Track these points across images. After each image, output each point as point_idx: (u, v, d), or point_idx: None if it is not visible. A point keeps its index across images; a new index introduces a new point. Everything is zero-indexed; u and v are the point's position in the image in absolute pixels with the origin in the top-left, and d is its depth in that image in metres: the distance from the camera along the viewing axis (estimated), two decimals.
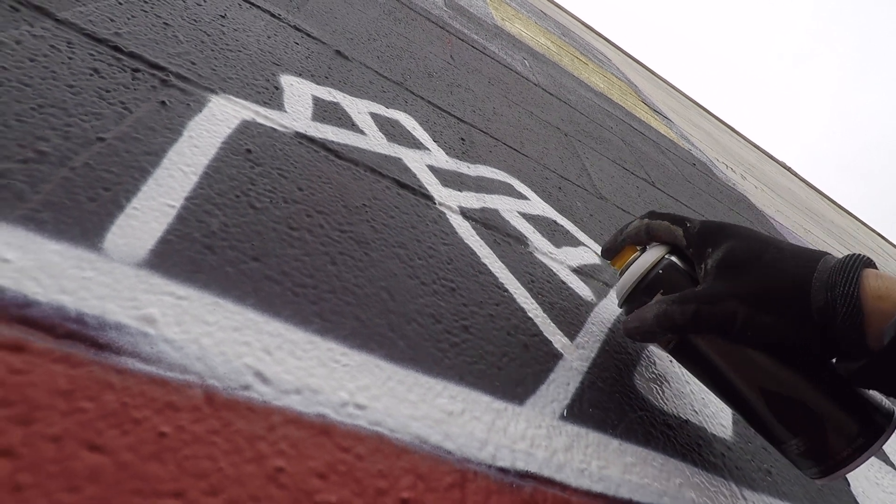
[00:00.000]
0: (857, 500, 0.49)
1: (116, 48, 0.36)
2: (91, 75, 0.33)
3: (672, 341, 0.37)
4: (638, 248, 0.42)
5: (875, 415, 0.31)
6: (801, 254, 0.33)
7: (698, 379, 0.38)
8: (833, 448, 0.31)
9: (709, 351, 0.35)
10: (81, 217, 0.24)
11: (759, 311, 0.31)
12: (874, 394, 0.32)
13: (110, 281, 0.23)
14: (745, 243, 0.34)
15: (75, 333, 0.20)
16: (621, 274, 0.41)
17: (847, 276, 0.30)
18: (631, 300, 0.40)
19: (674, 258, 0.39)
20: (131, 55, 0.36)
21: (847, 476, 0.51)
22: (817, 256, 0.32)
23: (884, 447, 0.63)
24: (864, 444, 0.30)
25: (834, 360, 0.33)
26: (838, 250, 2.30)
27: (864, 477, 0.53)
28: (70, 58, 0.33)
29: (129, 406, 0.19)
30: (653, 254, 0.39)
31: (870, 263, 0.31)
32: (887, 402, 0.32)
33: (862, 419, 0.31)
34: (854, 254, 0.31)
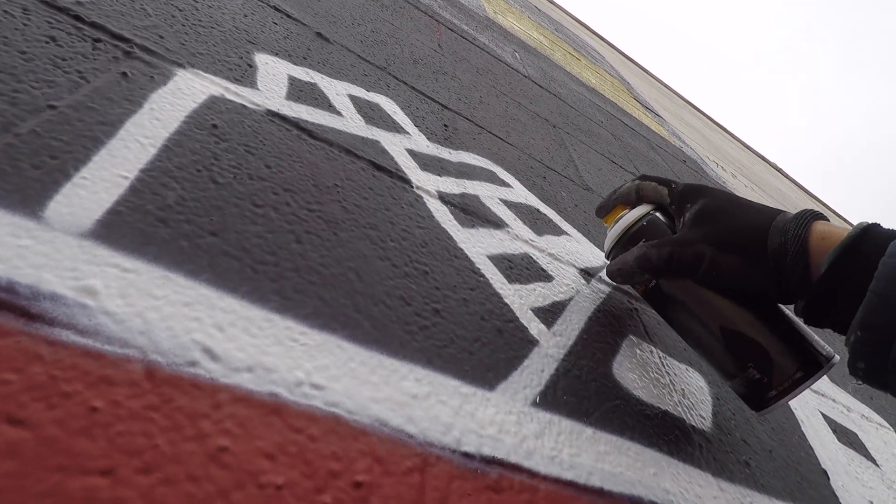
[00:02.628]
0: (837, 493, 0.48)
1: (77, 17, 0.35)
2: (47, 43, 0.31)
3: (648, 284, 0.42)
4: (628, 206, 0.46)
5: (817, 355, 0.35)
6: (764, 209, 0.37)
7: (666, 320, 0.43)
8: (775, 381, 0.35)
9: (677, 294, 0.40)
10: (22, 184, 0.23)
11: (723, 252, 0.35)
12: (820, 340, 0.37)
13: (49, 250, 0.21)
14: (717, 201, 0.39)
15: (3, 302, 0.19)
16: (611, 229, 0.46)
17: (798, 223, 0.34)
18: (616, 250, 0.44)
19: (658, 214, 0.43)
20: (93, 25, 0.35)
21: (826, 469, 0.50)
22: (777, 212, 0.37)
23: (865, 443, 0.62)
24: (801, 377, 0.34)
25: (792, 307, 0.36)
26: None
27: (845, 472, 0.53)
28: (25, 24, 0.31)
29: (58, 379, 0.18)
30: (639, 210, 0.44)
31: (821, 216, 0.35)
32: (829, 347, 0.36)
33: (804, 357, 0.35)
34: (808, 209, 0.35)
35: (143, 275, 0.23)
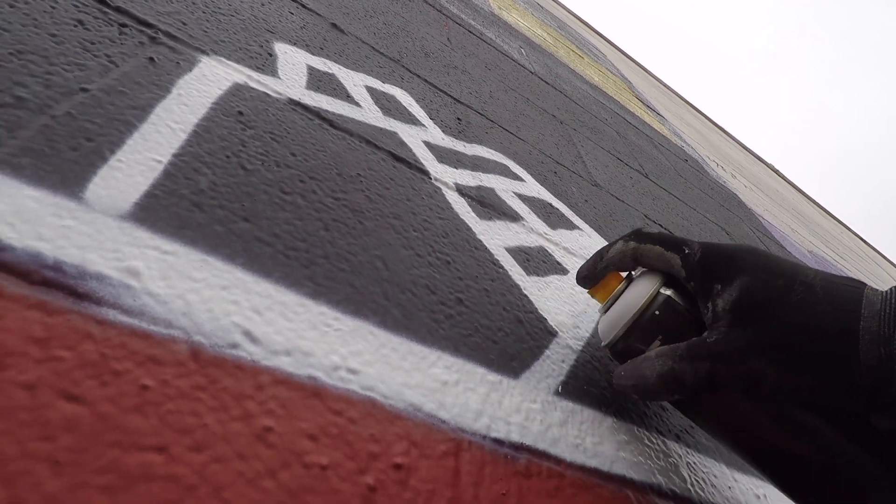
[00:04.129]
0: None
1: (102, 1, 0.34)
2: (75, 26, 0.31)
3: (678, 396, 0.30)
4: (623, 274, 0.36)
5: None
6: (837, 291, 0.26)
7: (714, 437, 0.32)
8: None
9: (724, 412, 0.29)
10: (62, 165, 0.23)
11: (793, 371, 0.25)
12: None
13: (91, 231, 0.22)
14: (763, 278, 0.28)
15: (52, 281, 0.19)
16: (606, 309, 0.34)
17: None
18: (622, 343, 0.32)
19: (670, 292, 0.31)
20: (118, 10, 0.35)
21: None
22: (857, 295, 0.26)
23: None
24: None
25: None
26: (825, 252, 2.33)
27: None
28: (53, 7, 0.31)
29: (109, 357, 0.18)
30: (644, 286, 0.32)
31: None
32: None
33: None
34: None
35: (181, 257, 0.23)
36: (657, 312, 0.31)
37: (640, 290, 0.32)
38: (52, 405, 0.16)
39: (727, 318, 0.27)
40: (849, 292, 0.26)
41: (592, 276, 0.35)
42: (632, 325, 0.31)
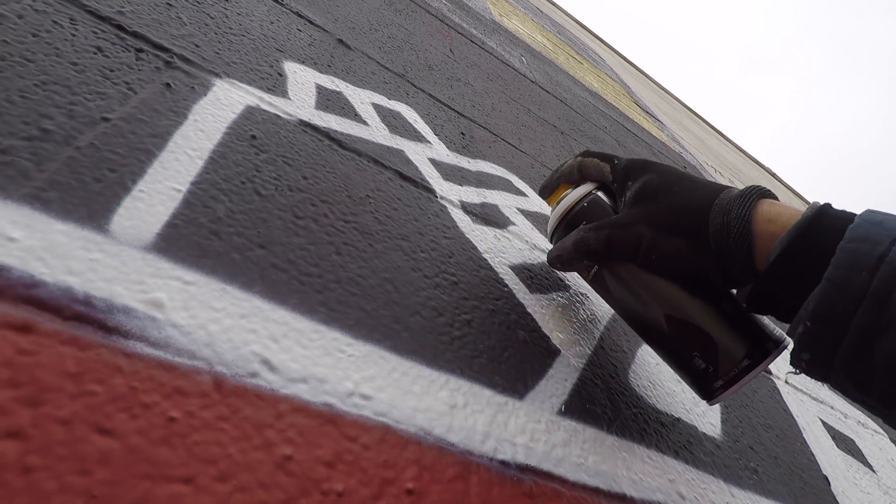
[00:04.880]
0: (837, 499, 0.50)
1: (120, 27, 0.35)
2: (95, 53, 0.32)
3: (591, 270, 0.39)
4: (572, 185, 0.43)
5: (765, 341, 0.33)
6: (709, 186, 0.34)
7: (612, 307, 0.40)
8: (721, 370, 0.33)
9: (621, 280, 0.37)
10: (88, 198, 0.24)
11: (663, 234, 0.33)
12: (769, 323, 0.34)
13: (117, 263, 0.22)
14: (660, 176, 0.36)
15: (83, 315, 0.20)
16: (553, 209, 0.43)
17: (743, 202, 0.31)
18: (558, 233, 0.42)
19: (600, 193, 0.40)
20: (135, 35, 0.36)
21: (827, 475, 0.52)
22: (722, 188, 0.33)
23: (862, 449, 0.64)
24: (748, 365, 0.32)
25: (735, 291, 0.35)
26: None
27: (844, 477, 0.55)
28: (73, 35, 0.32)
29: (138, 390, 0.19)
30: (581, 190, 0.41)
31: (768, 194, 0.32)
32: (780, 331, 0.33)
33: (751, 344, 0.32)
34: (755, 185, 0.32)
35: (202, 287, 0.24)
36: (585, 205, 0.40)
37: (577, 192, 0.41)
38: (87, 439, 0.17)
39: (629, 202, 0.36)
40: (718, 186, 0.34)
41: (549, 187, 0.45)
42: (564, 215, 0.41)
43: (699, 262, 0.32)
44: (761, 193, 0.32)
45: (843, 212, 0.29)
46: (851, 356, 0.25)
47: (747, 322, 0.33)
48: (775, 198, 0.33)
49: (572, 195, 0.41)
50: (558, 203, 0.42)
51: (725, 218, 0.31)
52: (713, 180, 0.36)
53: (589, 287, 0.50)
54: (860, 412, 0.77)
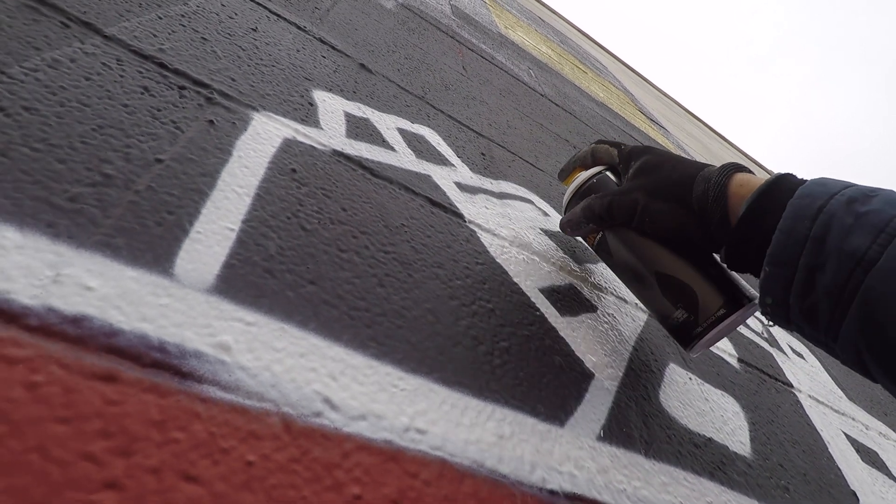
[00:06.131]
0: None
1: (162, 65, 0.36)
2: (142, 94, 0.33)
3: (596, 237, 0.45)
4: (585, 169, 0.49)
5: (740, 296, 0.37)
6: (696, 164, 0.40)
7: (613, 271, 0.46)
8: (700, 318, 0.37)
9: (621, 244, 0.43)
10: (152, 242, 0.25)
11: (655, 199, 0.39)
12: (746, 284, 0.39)
13: (185, 308, 0.23)
14: (657, 156, 0.42)
15: (160, 362, 0.21)
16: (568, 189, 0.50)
17: (721, 173, 0.36)
18: (570, 205, 0.48)
19: (608, 173, 0.46)
20: (176, 72, 0.37)
21: (855, 490, 0.52)
22: (707, 165, 0.39)
23: (886, 461, 0.64)
24: (723, 314, 0.37)
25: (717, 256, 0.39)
26: None
27: (872, 492, 0.55)
28: (121, 76, 0.33)
29: (216, 436, 0.20)
30: (592, 171, 0.47)
31: (743, 169, 0.37)
32: (754, 290, 0.38)
33: (727, 297, 0.37)
34: (733, 162, 0.38)
35: (263, 328, 0.25)
36: (595, 181, 0.46)
37: (588, 172, 0.47)
38: (176, 487, 0.18)
39: (630, 177, 0.42)
40: (706, 165, 0.39)
41: (566, 170, 0.51)
42: (577, 190, 0.47)
43: (685, 223, 0.38)
44: (737, 168, 0.37)
45: (802, 179, 0.34)
46: (801, 292, 0.30)
47: (726, 279, 0.39)
48: (752, 173, 0.37)
49: (585, 174, 0.47)
50: (573, 182, 0.48)
51: (706, 185, 0.36)
52: None
53: (615, 307, 0.50)
54: (881, 423, 0.77)
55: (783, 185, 0.33)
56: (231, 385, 0.22)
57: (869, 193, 0.29)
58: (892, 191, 0.29)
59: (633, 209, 0.40)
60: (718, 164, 0.38)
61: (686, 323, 0.38)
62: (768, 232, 0.32)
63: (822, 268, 0.28)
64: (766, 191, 0.33)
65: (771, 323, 0.33)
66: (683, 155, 2.04)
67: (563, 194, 0.50)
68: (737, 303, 0.37)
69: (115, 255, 0.23)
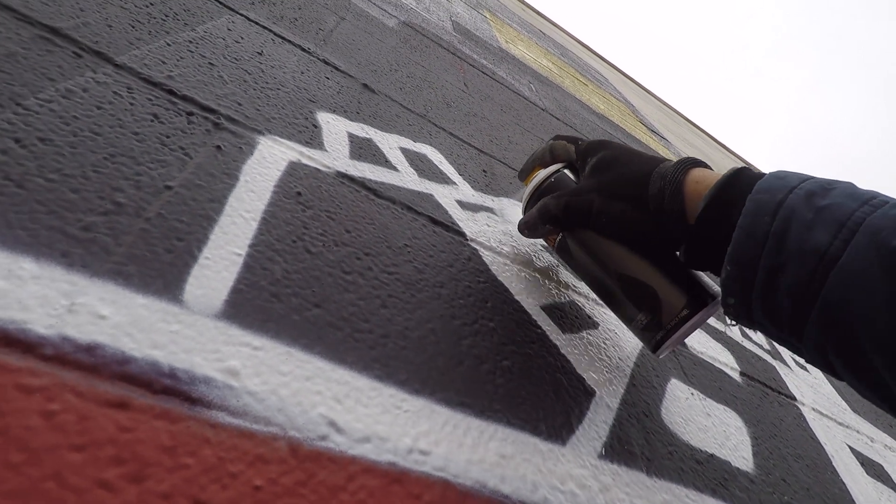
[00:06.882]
0: None
1: (171, 91, 0.37)
2: (152, 121, 0.34)
3: (556, 239, 0.44)
4: (544, 167, 0.48)
5: (703, 294, 0.37)
6: (654, 159, 0.39)
7: (574, 272, 0.45)
8: (664, 320, 0.36)
9: (581, 244, 0.41)
10: (162, 269, 0.26)
11: (610, 199, 0.38)
12: (709, 281, 0.39)
13: (194, 334, 0.24)
14: (613, 152, 0.40)
15: (170, 389, 0.21)
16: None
17: (677, 169, 0.35)
18: (528, 207, 0.46)
19: (566, 171, 0.45)
20: (184, 98, 0.38)
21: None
22: (663, 160, 0.38)
23: (891, 475, 0.64)
24: (687, 315, 0.36)
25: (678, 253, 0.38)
26: None
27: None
28: (132, 104, 0.34)
29: (225, 460, 0.20)
30: (550, 169, 0.46)
31: (700, 164, 0.37)
32: (717, 287, 0.36)
33: (690, 297, 0.36)
34: (690, 157, 0.37)
35: (269, 352, 0.25)
36: (552, 181, 0.45)
37: (546, 171, 0.46)
38: None
39: (587, 175, 0.41)
40: (663, 160, 0.38)
41: (525, 170, 0.50)
42: (534, 190, 0.46)
43: (641, 222, 0.37)
44: (694, 163, 0.36)
45: (759, 172, 0.33)
46: (763, 292, 0.29)
47: (688, 279, 0.38)
48: (709, 168, 0.37)
49: (542, 174, 0.46)
50: (531, 182, 0.47)
51: (662, 182, 0.36)
52: None
53: (616, 322, 0.51)
54: (886, 434, 0.77)
55: (741, 179, 0.32)
56: (239, 410, 0.22)
57: (827, 186, 0.29)
58: (850, 183, 0.29)
59: (589, 210, 0.39)
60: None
61: (650, 325, 0.37)
62: (727, 229, 0.31)
63: (784, 267, 0.28)
64: (723, 186, 0.32)
65: (733, 322, 0.32)
66: None
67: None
68: (700, 302, 0.36)
69: (127, 282, 0.24)
